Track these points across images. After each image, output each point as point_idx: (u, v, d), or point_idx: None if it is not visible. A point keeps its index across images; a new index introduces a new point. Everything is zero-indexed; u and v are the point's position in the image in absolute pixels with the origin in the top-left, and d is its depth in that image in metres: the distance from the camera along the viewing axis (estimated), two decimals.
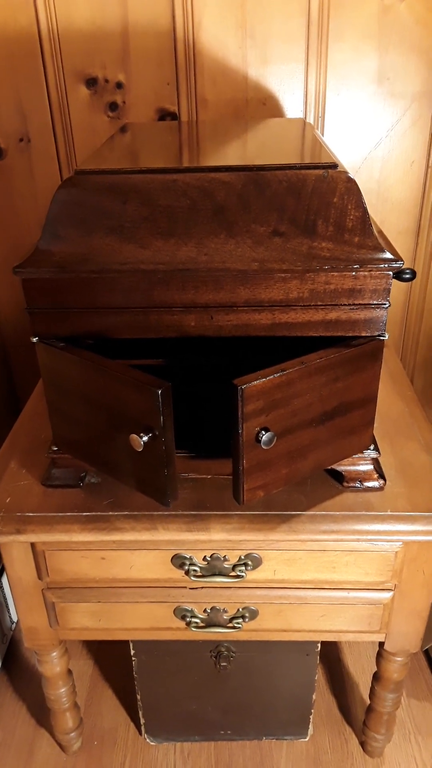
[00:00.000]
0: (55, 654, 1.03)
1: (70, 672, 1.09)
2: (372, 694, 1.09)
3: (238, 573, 0.88)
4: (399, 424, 1.00)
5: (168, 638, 0.99)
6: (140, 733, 1.22)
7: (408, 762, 1.18)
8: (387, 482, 0.87)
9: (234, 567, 0.88)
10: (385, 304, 0.76)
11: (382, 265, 0.72)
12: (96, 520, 0.83)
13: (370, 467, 0.87)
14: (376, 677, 1.07)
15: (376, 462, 0.88)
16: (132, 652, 1.07)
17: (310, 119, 1.23)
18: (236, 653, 1.07)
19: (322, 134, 1.24)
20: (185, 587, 0.92)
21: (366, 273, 0.73)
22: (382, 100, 1.21)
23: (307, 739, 1.21)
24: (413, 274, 0.75)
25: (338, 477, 0.87)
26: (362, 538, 0.83)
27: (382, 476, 0.87)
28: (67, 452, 0.87)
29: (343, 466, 0.86)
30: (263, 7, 1.13)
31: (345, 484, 0.87)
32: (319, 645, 1.06)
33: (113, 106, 1.22)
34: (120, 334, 0.78)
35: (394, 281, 0.75)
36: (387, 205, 1.31)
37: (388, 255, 0.73)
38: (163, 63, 1.18)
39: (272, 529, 0.82)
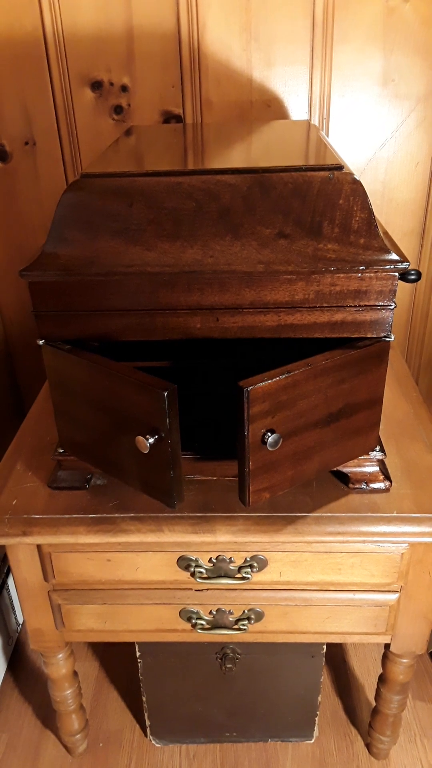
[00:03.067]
0: (60, 656, 1.03)
1: (75, 674, 1.09)
2: (377, 696, 1.09)
3: (244, 575, 0.88)
4: (404, 425, 1.00)
5: (173, 640, 0.99)
6: (146, 735, 1.22)
7: (414, 764, 1.17)
8: (393, 483, 0.87)
9: (240, 569, 0.88)
10: (390, 305, 0.76)
11: (388, 267, 0.72)
12: (102, 522, 0.83)
13: (376, 469, 0.87)
14: (382, 679, 1.07)
15: (381, 463, 0.88)
16: (137, 653, 1.07)
17: (315, 121, 1.23)
18: (242, 655, 1.07)
19: (327, 136, 1.24)
20: (191, 589, 0.92)
21: (372, 274, 0.73)
22: (386, 102, 1.21)
23: (312, 741, 1.21)
24: (418, 275, 0.75)
25: (344, 478, 0.87)
26: (368, 540, 0.83)
27: (387, 477, 0.87)
28: (72, 454, 0.87)
29: (348, 468, 0.86)
30: (267, 9, 1.13)
31: (350, 485, 0.87)
32: (324, 647, 1.06)
33: (118, 109, 1.22)
34: (126, 337, 0.78)
35: (400, 282, 0.75)
36: (392, 206, 1.31)
37: (393, 256, 0.73)
38: (168, 66, 1.18)
39: (278, 530, 0.82)
